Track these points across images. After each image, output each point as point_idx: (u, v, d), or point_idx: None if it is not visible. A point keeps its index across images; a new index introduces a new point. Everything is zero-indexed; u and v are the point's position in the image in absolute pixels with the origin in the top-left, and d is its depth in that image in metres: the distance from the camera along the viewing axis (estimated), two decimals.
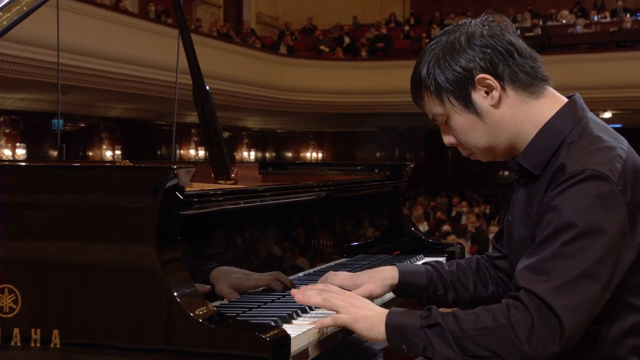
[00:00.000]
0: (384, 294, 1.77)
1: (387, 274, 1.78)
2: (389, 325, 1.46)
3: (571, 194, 1.39)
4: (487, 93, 1.52)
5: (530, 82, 1.53)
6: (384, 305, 1.71)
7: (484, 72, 1.51)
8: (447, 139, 1.61)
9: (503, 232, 1.84)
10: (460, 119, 1.55)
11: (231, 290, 1.74)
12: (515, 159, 1.58)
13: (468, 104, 1.53)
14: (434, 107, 1.57)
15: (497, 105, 1.53)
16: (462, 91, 1.52)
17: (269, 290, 1.84)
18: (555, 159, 1.49)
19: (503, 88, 1.52)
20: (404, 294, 1.83)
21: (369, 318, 1.49)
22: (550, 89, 1.57)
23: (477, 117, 1.53)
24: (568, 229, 1.37)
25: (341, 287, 1.73)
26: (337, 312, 1.52)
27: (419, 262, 2.30)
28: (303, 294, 1.57)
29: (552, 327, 1.34)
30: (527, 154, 1.55)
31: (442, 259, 2.43)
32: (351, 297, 1.56)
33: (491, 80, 1.51)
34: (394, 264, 1.81)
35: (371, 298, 1.69)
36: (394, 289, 1.79)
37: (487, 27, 1.54)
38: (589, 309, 1.37)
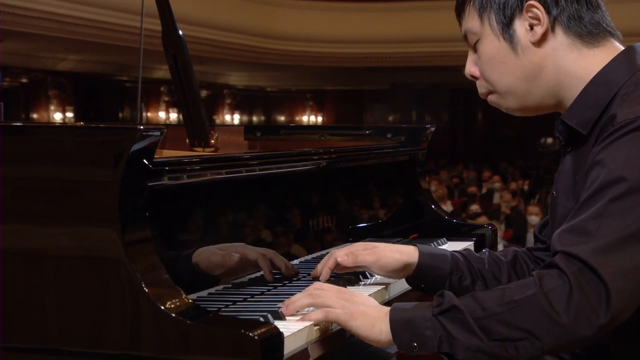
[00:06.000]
0: (393, 268, 1.79)
1: (404, 249, 1.81)
2: (394, 320, 1.45)
3: (620, 145, 1.41)
4: (531, 27, 1.58)
5: (589, 31, 1.58)
6: (386, 304, 1.71)
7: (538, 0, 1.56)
8: (469, 68, 1.68)
9: (548, 222, 1.85)
10: (491, 45, 1.61)
11: (221, 259, 1.76)
12: (560, 117, 1.61)
13: (505, 29, 1.59)
14: (470, 21, 1.65)
15: (538, 43, 1.58)
16: (505, 11, 1.59)
17: (259, 279, 1.85)
18: (607, 114, 1.51)
19: (552, 28, 1.57)
20: (423, 282, 1.83)
21: (368, 315, 1.49)
22: (614, 42, 1.61)
23: (510, 48, 1.60)
24: (616, 184, 1.38)
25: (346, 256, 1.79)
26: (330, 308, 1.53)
27: (443, 247, 2.31)
28: (288, 303, 1.57)
29: (595, 293, 1.34)
30: (572, 111, 1.58)
31: (470, 244, 2.45)
32: (346, 293, 1.57)
33: (541, 12, 1.57)
34: (415, 244, 1.83)
35: (378, 265, 1.76)
36: (410, 274, 1.80)
37: None
38: (639, 278, 1.37)
